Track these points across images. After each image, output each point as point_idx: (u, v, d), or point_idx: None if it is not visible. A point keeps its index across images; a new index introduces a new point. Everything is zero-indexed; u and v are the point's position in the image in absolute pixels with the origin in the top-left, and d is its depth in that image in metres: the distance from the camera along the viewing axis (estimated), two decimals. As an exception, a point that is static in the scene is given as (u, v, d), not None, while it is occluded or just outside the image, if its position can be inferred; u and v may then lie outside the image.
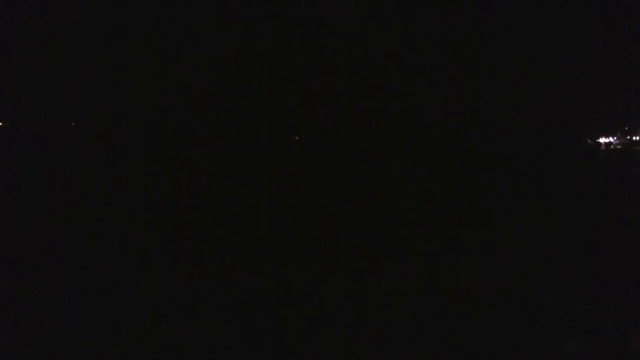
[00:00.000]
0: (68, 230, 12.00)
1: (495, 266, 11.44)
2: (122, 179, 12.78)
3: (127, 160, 12.97)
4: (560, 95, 13.59)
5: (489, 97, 13.35)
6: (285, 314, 10.69)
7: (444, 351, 9.61)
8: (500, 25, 13.25)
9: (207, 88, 13.33)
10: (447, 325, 10.32)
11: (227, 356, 9.65)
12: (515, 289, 11.02)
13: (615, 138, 14.41)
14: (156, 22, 13.11)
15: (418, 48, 13.29)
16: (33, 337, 9.81)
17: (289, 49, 13.26)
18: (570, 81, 13.54)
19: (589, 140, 14.49)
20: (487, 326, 10.14)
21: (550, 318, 10.32)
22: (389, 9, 13.14)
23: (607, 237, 11.91)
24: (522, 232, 12.13)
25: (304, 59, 13.30)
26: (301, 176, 13.12)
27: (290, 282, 11.32)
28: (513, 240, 11.94)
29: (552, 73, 13.48)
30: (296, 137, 13.86)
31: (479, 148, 13.29)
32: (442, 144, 13.38)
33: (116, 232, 12.06)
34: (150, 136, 13.11)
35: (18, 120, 13.09)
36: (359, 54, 13.37)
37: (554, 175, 13.22)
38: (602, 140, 14.45)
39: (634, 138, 14.29)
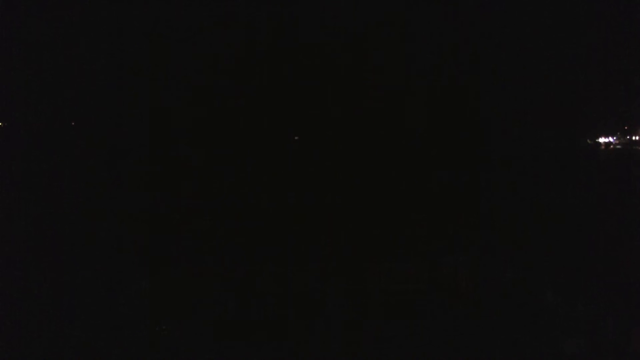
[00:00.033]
0: (68, 230, 12.00)
1: (495, 266, 11.44)
2: (122, 179, 12.77)
3: (127, 160, 12.96)
4: (560, 95, 13.58)
5: (488, 97, 13.35)
6: (285, 314, 10.70)
7: (444, 351, 9.62)
8: (500, 25, 13.25)
9: (207, 88, 13.33)
10: (447, 325, 10.32)
11: (227, 356, 9.65)
12: (515, 289, 11.03)
13: (614, 138, 14.41)
14: (156, 22, 13.10)
15: (418, 48, 13.28)
16: (33, 337, 9.81)
17: (289, 49, 13.26)
18: (570, 81, 13.53)
19: (588, 140, 14.49)
20: (487, 326, 10.15)
21: (550, 318, 10.32)
22: (389, 9, 13.14)
23: (607, 237, 11.91)
24: (522, 232, 12.13)
25: (304, 59, 13.29)
26: (301, 176, 13.12)
27: (290, 282, 11.32)
28: (513, 240, 11.94)
29: (552, 73, 13.48)
30: (296, 137, 13.85)
31: (479, 148, 13.28)
32: (442, 144, 13.37)
33: (116, 232, 12.05)
34: (150, 136, 13.09)
35: (18, 120, 13.09)
36: (359, 54, 13.37)
37: (553, 175, 13.22)
38: (602, 140, 14.44)
39: (633, 138, 14.28)
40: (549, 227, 12.20)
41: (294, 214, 12.71)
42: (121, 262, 11.46)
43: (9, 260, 11.28)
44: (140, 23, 13.07)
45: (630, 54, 13.06)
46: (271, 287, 11.26)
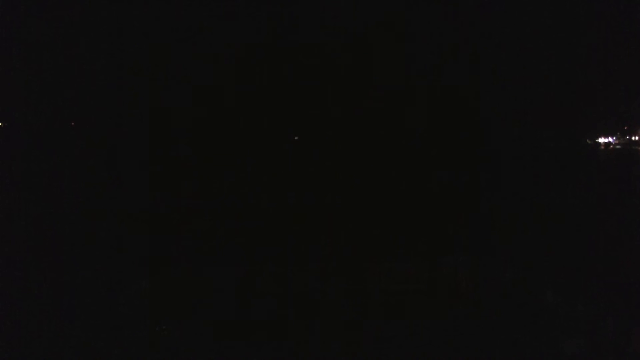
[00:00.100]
0: (68, 230, 12.00)
1: (495, 266, 11.44)
2: (122, 179, 12.77)
3: (127, 160, 12.96)
4: (560, 95, 13.58)
5: (488, 97, 13.35)
6: (285, 314, 10.70)
7: (444, 351, 9.62)
8: (500, 25, 13.25)
9: (206, 88, 13.33)
10: (447, 325, 10.32)
11: (227, 356, 9.65)
12: (515, 289, 11.03)
13: (614, 138, 14.41)
14: (156, 22, 13.10)
15: (418, 48, 13.28)
16: (33, 337, 9.80)
17: (289, 49, 13.26)
18: (570, 81, 13.53)
19: (588, 141, 14.49)
20: (487, 326, 10.15)
21: (550, 318, 10.32)
22: (389, 9, 13.14)
23: (607, 237, 11.91)
24: (522, 232, 12.13)
25: (304, 59, 13.29)
26: (301, 176, 13.12)
27: (290, 282, 11.32)
28: (513, 240, 11.94)
29: (552, 73, 13.48)
30: (296, 137, 13.86)
31: (479, 148, 13.28)
32: (442, 144, 13.37)
33: (116, 232, 12.05)
34: (150, 136, 13.09)
35: (18, 120, 13.08)
36: (359, 54, 13.37)
37: (553, 175, 13.22)
38: (602, 140, 14.45)
39: (633, 138, 14.28)
40: (549, 227, 12.21)
41: (294, 214, 12.71)
42: (121, 262, 11.46)
43: (9, 260, 11.28)
44: (140, 23, 13.07)
45: (630, 54, 13.06)
46: (271, 287, 11.26)
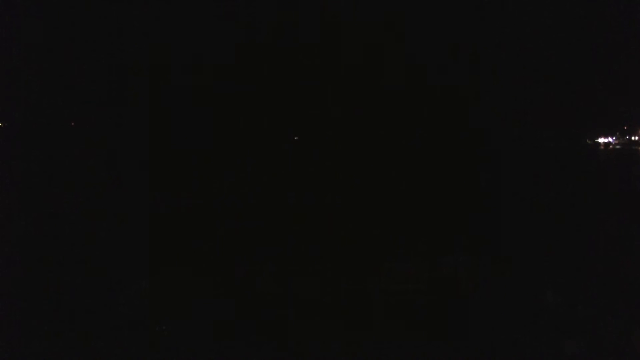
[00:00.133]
0: (68, 230, 11.99)
1: (495, 266, 11.44)
2: (122, 179, 12.77)
3: (127, 160, 12.96)
4: (560, 95, 13.59)
5: (489, 97, 13.36)
6: (285, 314, 10.69)
7: (444, 351, 9.61)
8: (500, 25, 13.26)
9: (206, 88, 13.33)
10: (447, 325, 10.32)
11: (227, 356, 9.65)
12: (515, 289, 11.02)
13: (614, 138, 14.42)
14: (156, 22, 13.10)
15: (418, 48, 13.29)
16: (33, 337, 9.80)
17: (289, 49, 13.26)
18: (570, 81, 13.55)
19: (588, 141, 14.50)
20: (487, 326, 10.14)
21: (550, 318, 10.32)
22: (389, 9, 13.14)
23: (607, 237, 11.91)
24: (522, 232, 12.13)
25: (304, 59, 13.30)
26: (301, 176, 13.13)
27: (290, 282, 11.32)
28: (513, 240, 11.94)
29: (552, 73, 13.49)
30: (296, 137, 13.87)
31: (479, 148, 13.29)
32: (443, 144, 13.38)
33: (116, 232, 12.05)
34: (150, 136, 13.10)
35: (18, 120, 13.09)
36: (360, 54, 13.37)
37: (553, 175, 13.23)
38: (601, 140, 14.46)
39: (632, 138, 14.29)
40: (549, 227, 12.21)
41: (294, 214, 12.71)
42: (121, 262, 11.46)
43: (9, 260, 11.28)
44: (141, 23, 13.08)
45: (630, 54, 13.07)
46: (271, 287, 11.25)
